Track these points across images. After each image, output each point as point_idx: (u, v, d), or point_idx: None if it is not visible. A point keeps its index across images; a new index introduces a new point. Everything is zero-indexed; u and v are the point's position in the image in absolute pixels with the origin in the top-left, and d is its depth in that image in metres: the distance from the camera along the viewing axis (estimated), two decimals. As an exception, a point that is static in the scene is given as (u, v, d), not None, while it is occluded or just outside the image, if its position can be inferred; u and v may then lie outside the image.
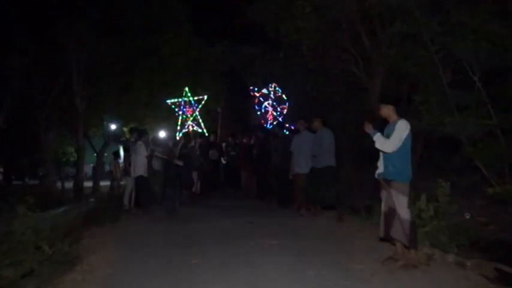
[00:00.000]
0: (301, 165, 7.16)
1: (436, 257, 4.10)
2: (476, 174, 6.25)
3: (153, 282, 3.87)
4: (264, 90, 17.00)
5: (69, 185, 19.30)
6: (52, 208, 8.92)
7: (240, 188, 10.70)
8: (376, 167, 4.40)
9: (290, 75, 10.70)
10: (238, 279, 3.86)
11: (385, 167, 4.15)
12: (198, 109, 16.24)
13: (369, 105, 8.71)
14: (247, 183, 10.62)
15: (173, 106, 15.91)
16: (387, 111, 4.22)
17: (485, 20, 6.21)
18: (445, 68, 6.61)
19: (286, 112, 16.35)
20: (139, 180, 8.24)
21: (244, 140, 11.19)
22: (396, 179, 4.02)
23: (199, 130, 15.46)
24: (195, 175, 9.73)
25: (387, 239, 4.29)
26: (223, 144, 11.80)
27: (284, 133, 9.52)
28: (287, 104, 16.48)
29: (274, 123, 15.73)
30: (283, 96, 16.31)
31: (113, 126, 19.02)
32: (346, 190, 8.40)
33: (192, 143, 9.26)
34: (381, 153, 4.33)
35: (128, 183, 8.65)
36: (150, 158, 8.63)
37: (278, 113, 17.01)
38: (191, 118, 16.02)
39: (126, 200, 8.52)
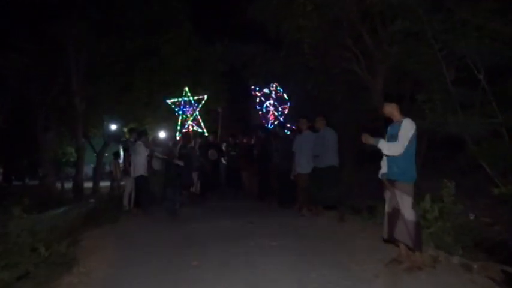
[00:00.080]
0: (302, 165, 7.07)
1: (441, 259, 4.00)
2: (481, 174, 6.15)
3: (152, 283, 3.81)
4: (265, 90, 16.93)
5: (69, 185, 19.24)
6: (51, 209, 8.84)
7: (240, 188, 10.61)
8: (378, 167, 4.30)
9: (291, 74, 10.61)
10: (238, 280, 3.81)
11: (389, 167, 4.05)
12: (198, 109, 16.17)
13: (370, 104, 8.62)
14: (248, 184, 10.53)
15: (173, 106, 15.84)
16: (390, 109, 4.13)
17: (487, 17, 6.12)
18: (448, 66, 6.52)
19: (288, 112, 16.26)
20: (139, 179, 8.18)
21: (245, 140, 11.11)
22: (400, 179, 3.92)
23: (200, 130, 15.40)
24: (195, 175, 9.67)
25: (391, 240, 4.20)
26: (224, 144, 11.73)
27: (285, 133, 9.44)
28: (288, 103, 16.39)
29: (276, 123, 15.65)
30: (285, 95, 16.22)
31: (113, 127, 18.95)
32: (348, 190, 8.31)
33: (192, 143, 9.19)
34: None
35: (127, 184, 8.58)
36: (150, 157, 8.58)
37: (279, 113, 16.93)
38: (191, 118, 15.95)
39: (125, 201, 8.45)
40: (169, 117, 16.61)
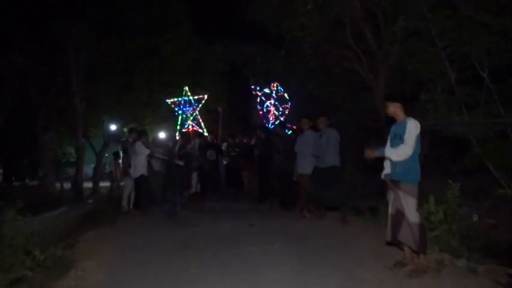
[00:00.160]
0: (304, 166, 6.98)
1: (447, 262, 3.90)
2: (486, 175, 6.05)
3: (150, 287, 3.71)
4: (266, 90, 16.86)
5: (68, 185, 19.17)
6: (49, 210, 8.75)
7: (241, 189, 10.51)
8: (380, 167, 4.21)
9: (292, 73, 10.50)
10: (238, 283, 3.75)
11: (393, 167, 3.95)
12: (198, 108, 16.10)
13: (372, 104, 8.52)
14: (248, 184, 10.43)
15: (173, 106, 15.77)
16: (394, 109, 4.03)
17: (493, 14, 6.02)
18: (451, 65, 6.41)
19: (288, 111, 16.18)
20: (140, 179, 8.12)
21: (245, 140, 11.01)
22: (404, 180, 3.83)
23: (200, 130, 15.33)
24: (194, 176, 9.58)
25: (394, 243, 4.10)
26: (224, 144, 11.64)
27: (286, 133, 9.34)
28: (289, 103, 16.31)
29: (276, 122, 15.58)
30: (285, 95, 16.14)
31: (113, 127, 18.87)
32: (349, 190, 8.22)
33: (192, 144, 9.10)
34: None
35: (126, 185, 8.48)
36: (150, 157, 8.51)
37: (280, 113, 16.86)
38: (191, 118, 15.89)
39: (124, 202, 8.35)
40: (169, 117, 16.55)
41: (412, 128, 3.78)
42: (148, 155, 8.36)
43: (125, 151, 8.60)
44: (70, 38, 14.31)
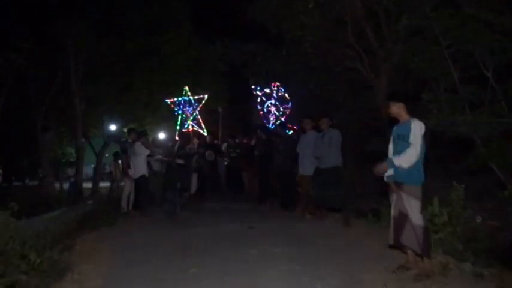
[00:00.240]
0: (306, 167, 6.89)
1: (451, 266, 3.80)
2: (489, 175, 5.95)
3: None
4: (267, 90, 16.76)
5: (68, 186, 19.09)
6: (47, 211, 8.66)
7: (242, 190, 10.43)
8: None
9: (292, 73, 10.40)
10: (238, 284, 3.69)
11: (396, 169, 3.86)
12: (198, 108, 16.02)
13: (373, 103, 8.43)
14: (249, 185, 10.34)
15: (172, 105, 15.69)
16: (397, 109, 3.94)
17: (497, 13, 5.93)
18: (455, 64, 6.32)
19: (289, 112, 16.09)
20: (140, 180, 8.07)
21: (245, 141, 10.93)
22: (408, 181, 3.73)
23: (200, 130, 15.26)
24: (194, 177, 9.51)
25: (397, 246, 4.01)
26: (225, 145, 11.57)
27: (286, 133, 9.25)
28: (290, 103, 16.21)
29: (277, 122, 15.49)
30: (286, 95, 16.04)
31: (113, 127, 18.80)
32: (350, 190, 8.13)
33: (191, 144, 9.05)
34: (389, 154, 4.04)
35: (126, 185, 8.40)
36: (151, 157, 8.46)
37: (281, 113, 16.76)
38: (191, 118, 15.81)
39: (124, 203, 8.28)
40: (169, 118, 16.48)
41: (417, 129, 3.70)
42: (148, 156, 8.30)
43: (124, 152, 8.53)
44: (70, 38, 14.25)
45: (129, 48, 15.22)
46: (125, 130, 16.50)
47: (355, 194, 8.17)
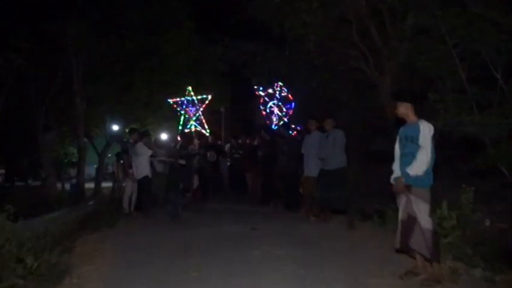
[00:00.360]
0: (311, 168, 6.78)
1: (461, 272, 3.68)
2: (498, 177, 5.82)
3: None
4: (269, 90, 16.65)
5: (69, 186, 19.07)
6: (49, 211, 8.59)
7: (245, 191, 10.33)
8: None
9: (295, 72, 10.26)
10: (241, 286, 3.63)
11: (403, 171, 3.74)
12: (201, 108, 15.92)
13: (378, 103, 8.31)
14: (252, 186, 10.23)
15: (175, 105, 15.58)
16: (404, 110, 3.82)
17: (504, 12, 5.81)
18: (461, 63, 6.19)
19: (293, 112, 15.96)
20: (143, 181, 7.97)
21: (248, 141, 10.82)
22: (416, 184, 3.62)
23: (203, 130, 15.17)
24: (195, 178, 9.42)
25: (404, 250, 3.89)
26: (227, 146, 11.49)
27: (290, 134, 9.13)
28: (293, 104, 16.09)
29: (280, 123, 15.37)
30: (289, 95, 15.91)
31: (115, 127, 18.74)
32: (354, 190, 8.01)
33: (192, 145, 8.97)
34: (396, 155, 3.93)
35: (127, 186, 8.31)
36: (153, 158, 8.38)
37: (284, 113, 16.64)
38: (194, 118, 15.71)
39: (125, 204, 8.19)
40: (171, 118, 16.39)
41: (426, 131, 3.59)
42: (151, 156, 8.21)
43: (125, 152, 8.44)
44: (70, 38, 14.18)
45: (129, 48, 15.16)
46: (127, 130, 16.45)
47: (359, 195, 8.05)
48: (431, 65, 6.44)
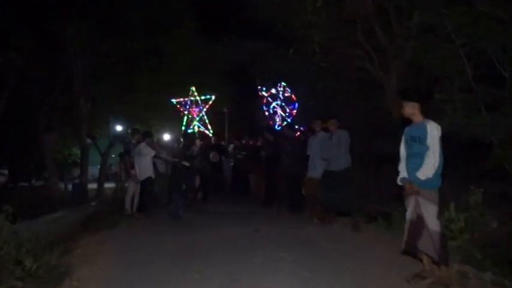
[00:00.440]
0: (317, 169, 6.68)
1: (470, 276, 3.58)
2: (506, 179, 5.70)
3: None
4: (273, 90, 16.61)
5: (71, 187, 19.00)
6: (51, 212, 8.53)
7: (247, 192, 10.25)
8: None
9: (299, 72, 10.17)
10: None
11: (411, 172, 3.64)
12: (205, 109, 15.91)
13: (383, 102, 8.21)
14: (255, 187, 10.14)
15: (178, 105, 15.56)
16: (411, 110, 3.72)
17: (510, 12, 5.71)
18: (468, 62, 6.09)
19: (296, 112, 15.91)
20: (146, 182, 7.91)
21: (251, 142, 10.75)
22: (424, 186, 3.52)
23: (206, 131, 15.14)
24: (197, 178, 9.36)
25: (410, 252, 3.79)
26: (231, 146, 11.43)
27: (294, 135, 9.04)
28: (296, 104, 16.03)
29: (284, 123, 15.31)
30: (293, 96, 15.86)
31: (118, 128, 18.71)
32: (359, 193, 7.91)
33: (194, 146, 8.90)
34: (402, 156, 3.84)
35: (129, 187, 8.25)
36: (158, 158, 8.31)
37: (287, 114, 16.59)
38: (197, 118, 15.68)
39: (127, 205, 8.11)
40: (174, 118, 16.36)
41: (434, 132, 3.50)
42: (154, 156, 8.15)
43: (127, 152, 8.37)
44: (70, 37, 14.15)
45: (131, 48, 15.11)
46: (129, 131, 16.43)
47: (364, 196, 7.94)
48: (438, 63, 6.34)
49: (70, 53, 14.46)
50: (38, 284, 3.53)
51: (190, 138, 8.84)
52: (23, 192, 16.54)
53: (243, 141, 11.09)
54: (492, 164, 5.59)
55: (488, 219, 4.30)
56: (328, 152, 6.33)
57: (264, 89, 16.56)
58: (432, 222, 3.47)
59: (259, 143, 10.26)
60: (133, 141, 8.27)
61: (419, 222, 3.53)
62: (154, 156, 8.19)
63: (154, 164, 8.42)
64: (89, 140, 17.25)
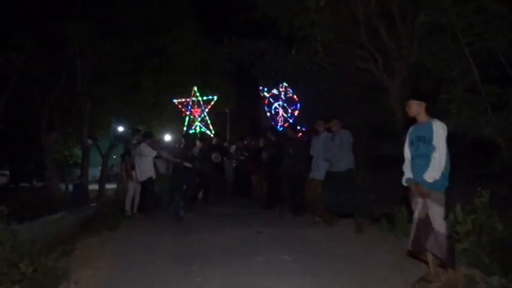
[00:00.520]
0: (320, 170, 6.59)
1: (478, 280, 3.48)
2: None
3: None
4: (274, 91, 16.54)
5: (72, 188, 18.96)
6: (49, 213, 8.45)
7: (250, 194, 10.15)
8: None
9: (302, 72, 10.08)
10: None
11: (416, 172, 3.55)
12: (207, 109, 15.84)
13: (386, 104, 8.12)
14: (257, 189, 10.04)
15: (180, 106, 15.49)
16: (418, 108, 3.63)
17: None
18: (474, 62, 5.99)
19: (298, 113, 15.83)
20: (147, 182, 7.84)
21: (253, 143, 10.65)
22: (430, 187, 3.43)
23: (207, 131, 15.07)
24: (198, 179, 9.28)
25: (417, 251, 3.67)
26: (233, 147, 11.35)
27: (295, 135, 8.94)
28: (298, 105, 15.95)
29: (285, 125, 15.22)
30: (295, 96, 15.77)
31: (120, 128, 18.67)
32: (362, 194, 7.82)
33: (195, 147, 8.83)
34: (406, 157, 3.75)
35: (129, 187, 8.17)
36: (158, 158, 8.24)
37: (289, 115, 16.50)
38: (199, 119, 15.62)
39: (128, 206, 8.05)
40: (176, 119, 16.29)
41: (440, 131, 3.41)
42: (156, 157, 8.08)
43: (128, 153, 8.31)
44: (70, 37, 14.10)
45: (131, 49, 15.06)
46: (129, 131, 16.37)
47: (367, 198, 7.85)
48: (443, 64, 6.23)
49: (70, 53, 14.42)
50: (34, 287, 3.46)
51: (191, 139, 8.77)
52: (24, 193, 16.49)
53: (245, 142, 11.00)
54: (499, 165, 5.48)
55: (495, 222, 4.18)
56: (330, 153, 6.25)
57: (266, 89, 16.48)
58: (439, 224, 3.38)
59: (261, 144, 10.17)
60: (134, 142, 8.20)
61: (427, 222, 3.44)
62: (156, 157, 8.12)
63: (154, 165, 8.35)
64: (90, 141, 17.20)
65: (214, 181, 9.99)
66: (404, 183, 3.75)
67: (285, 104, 16.68)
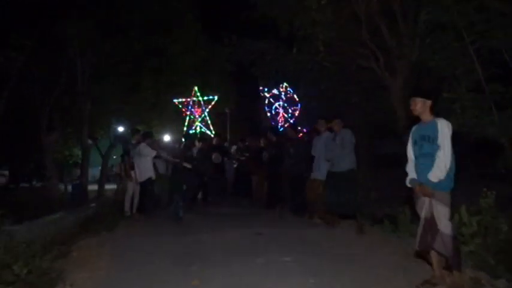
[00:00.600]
0: (322, 170, 6.51)
1: (484, 282, 3.40)
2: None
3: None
4: (275, 91, 16.48)
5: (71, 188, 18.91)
6: (48, 214, 8.37)
7: (250, 194, 10.08)
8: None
9: (303, 72, 10.01)
10: None
11: (421, 172, 3.46)
12: (207, 109, 15.78)
13: (388, 103, 8.05)
14: (258, 189, 9.96)
15: (180, 106, 15.43)
16: (421, 106, 3.53)
17: None
18: (478, 60, 5.91)
19: (299, 113, 15.77)
20: (146, 183, 7.77)
21: (253, 143, 10.58)
22: (435, 187, 3.34)
23: (208, 132, 15.01)
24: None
25: (425, 250, 3.58)
26: (234, 148, 11.28)
27: (296, 135, 8.87)
28: (299, 105, 15.89)
29: (286, 125, 15.15)
30: (295, 96, 15.71)
31: (120, 128, 18.62)
32: (364, 195, 7.74)
33: (194, 148, 8.76)
34: (409, 157, 3.66)
35: (128, 188, 8.10)
36: (158, 158, 8.17)
37: (289, 115, 16.44)
38: (199, 119, 15.56)
39: (127, 206, 7.97)
40: (176, 119, 16.24)
41: (445, 130, 3.32)
42: (155, 157, 8.01)
43: (127, 153, 8.23)
44: (71, 37, 14.06)
45: (132, 49, 15.03)
46: (128, 131, 16.30)
47: (369, 197, 7.77)
48: (446, 63, 6.15)
49: (70, 53, 14.39)
50: (29, 289, 3.38)
51: (190, 139, 8.71)
52: (23, 193, 16.43)
53: (247, 143, 10.93)
54: (503, 165, 5.39)
55: (501, 223, 4.10)
56: (331, 153, 6.17)
57: (266, 89, 16.44)
58: (444, 225, 3.30)
59: (261, 144, 10.10)
60: (133, 142, 8.12)
61: (433, 222, 3.35)
62: (156, 157, 8.05)
63: (154, 165, 8.28)
64: (90, 141, 17.15)
65: (214, 181, 9.91)
66: (408, 184, 3.67)
67: (286, 104, 16.62)
